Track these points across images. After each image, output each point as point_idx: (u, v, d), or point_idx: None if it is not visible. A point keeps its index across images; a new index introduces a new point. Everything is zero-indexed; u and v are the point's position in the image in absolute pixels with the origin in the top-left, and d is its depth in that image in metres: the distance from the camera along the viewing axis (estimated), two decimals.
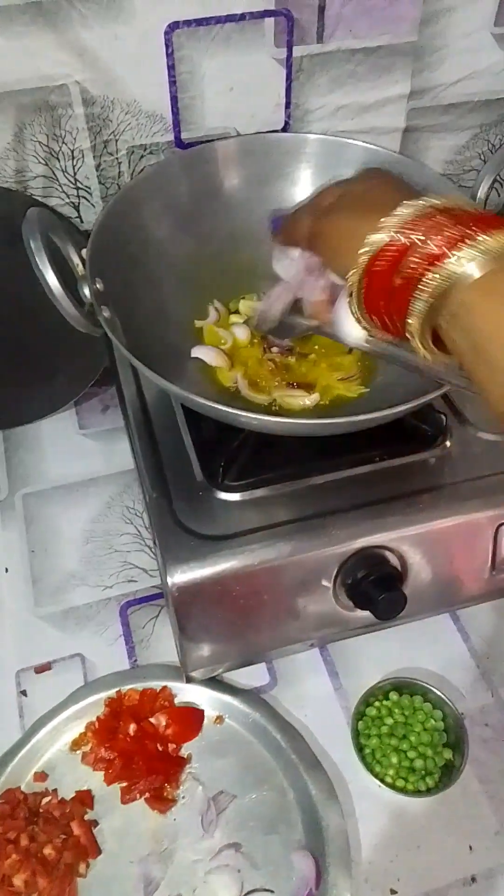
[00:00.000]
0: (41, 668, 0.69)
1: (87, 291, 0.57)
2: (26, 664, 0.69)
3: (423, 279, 0.38)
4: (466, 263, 0.36)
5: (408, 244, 0.38)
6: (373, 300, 0.41)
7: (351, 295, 0.43)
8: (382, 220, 0.40)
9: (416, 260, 0.38)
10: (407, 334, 0.40)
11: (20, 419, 0.89)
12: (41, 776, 0.61)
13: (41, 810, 0.58)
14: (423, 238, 0.38)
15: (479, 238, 0.37)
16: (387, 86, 0.74)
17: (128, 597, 0.75)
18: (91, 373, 0.87)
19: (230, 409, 0.51)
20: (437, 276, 0.37)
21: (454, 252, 0.37)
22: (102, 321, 0.56)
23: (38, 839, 0.56)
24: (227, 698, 0.66)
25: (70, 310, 0.53)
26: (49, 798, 0.60)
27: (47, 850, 0.56)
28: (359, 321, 0.44)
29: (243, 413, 0.51)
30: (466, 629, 0.72)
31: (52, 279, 0.51)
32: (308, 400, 0.61)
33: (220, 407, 0.51)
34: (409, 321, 0.39)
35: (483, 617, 0.73)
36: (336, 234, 0.46)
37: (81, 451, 0.87)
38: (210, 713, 0.66)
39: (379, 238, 0.40)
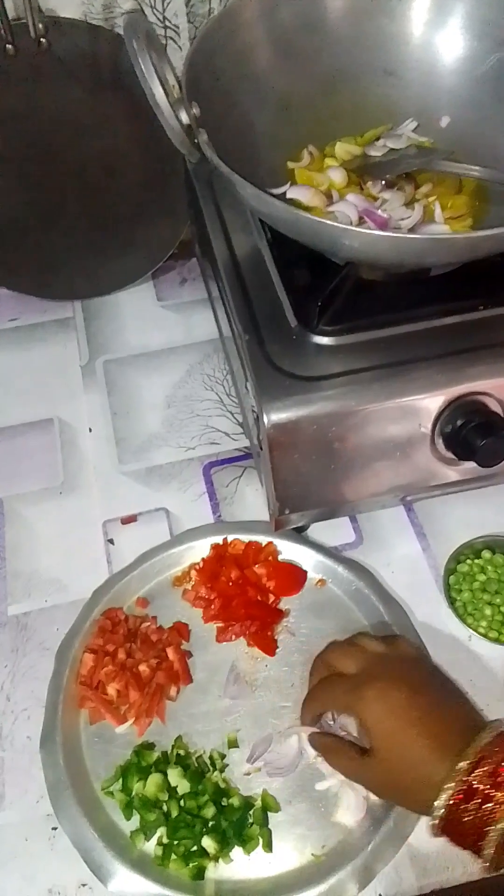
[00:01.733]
0: (127, 520, 0.70)
1: (183, 115, 0.54)
2: (113, 515, 0.70)
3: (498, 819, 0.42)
4: None
5: (481, 793, 0.43)
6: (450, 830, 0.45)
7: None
8: (455, 765, 0.44)
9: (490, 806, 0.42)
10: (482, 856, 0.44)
11: (98, 290, 0.88)
12: (143, 602, 0.63)
13: (140, 632, 0.60)
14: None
15: None
16: None
17: (210, 458, 0.74)
18: (170, 242, 0.85)
19: (336, 224, 0.48)
20: None
21: None
22: (202, 143, 0.54)
23: (135, 656, 0.58)
24: (331, 563, 0.65)
25: (172, 122, 0.51)
26: (148, 623, 0.61)
27: (142, 668, 0.57)
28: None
29: (351, 227, 0.48)
30: None
31: (156, 83, 0.49)
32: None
33: (326, 221, 0.48)
34: (485, 852, 0.43)
35: None
36: (403, 768, 0.48)
37: (160, 322, 0.86)
38: (313, 576, 0.65)
39: (449, 789, 0.44)
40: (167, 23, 0.70)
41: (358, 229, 0.48)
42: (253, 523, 0.68)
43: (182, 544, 0.66)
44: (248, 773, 0.56)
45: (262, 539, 0.66)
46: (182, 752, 0.56)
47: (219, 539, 0.66)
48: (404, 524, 0.69)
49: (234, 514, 0.70)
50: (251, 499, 0.71)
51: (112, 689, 0.56)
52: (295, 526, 0.64)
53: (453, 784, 0.43)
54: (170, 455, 0.74)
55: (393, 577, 0.66)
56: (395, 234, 0.51)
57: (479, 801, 0.43)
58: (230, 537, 0.66)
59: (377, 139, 0.67)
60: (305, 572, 0.65)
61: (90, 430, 0.77)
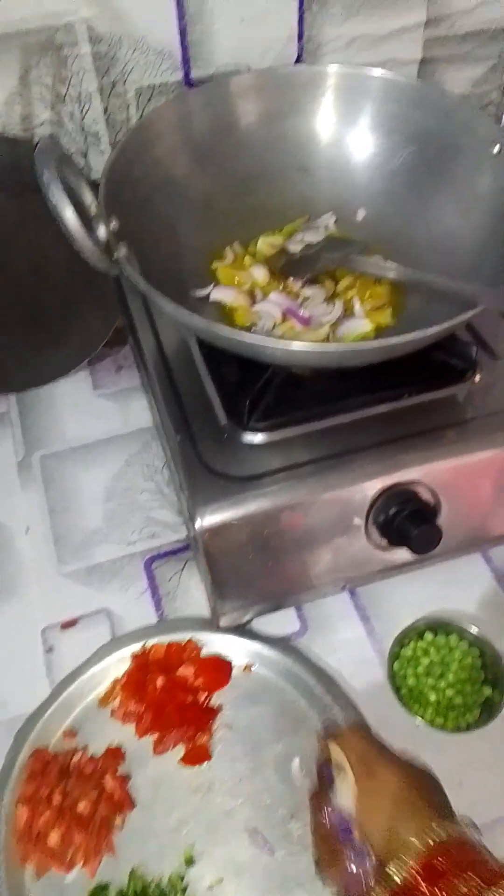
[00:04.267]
0: (67, 624, 0.68)
1: (101, 231, 0.55)
2: (52, 621, 0.68)
3: None
4: None
5: None
6: None
7: None
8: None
9: None
10: None
11: (33, 382, 0.87)
12: (70, 734, 0.60)
13: (72, 768, 0.57)
14: None
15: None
16: (402, 13, 0.71)
17: (152, 552, 0.73)
18: (102, 333, 0.85)
19: (257, 340, 0.49)
20: None
21: None
22: (121, 259, 0.54)
23: (72, 795, 0.55)
24: (256, 646, 0.64)
25: (87, 244, 0.51)
26: (79, 756, 0.58)
27: (81, 806, 0.54)
28: None
29: (270, 343, 0.49)
30: (501, 569, 0.71)
31: (68, 213, 0.49)
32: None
33: (247, 338, 0.49)
34: None
35: None
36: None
37: (97, 411, 0.86)
38: (238, 663, 0.64)
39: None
40: (87, 130, 0.72)
41: (276, 343, 0.49)
42: (171, 622, 0.67)
43: (100, 662, 0.63)
44: (211, 887, 0.54)
45: (183, 637, 0.64)
46: (139, 887, 0.53)
47: (137, 648, 0.64)
48: (348, 608, 0.69)
49: (178, 609, 0.69)
50: (195, 593, 0.70)
51: (54, 837, 0.53)
52: (238, 623, 0.64)
53: None
54: (111, 552, 0.73)
55: (339, 663, 0.65)
56: (313, 347, 0.52)
57: None
58: (149, 643, 0.64)
59: (297, 232, 0.69)
60: (230, 662, 0.64)
61: (27, 529, 0.75)
